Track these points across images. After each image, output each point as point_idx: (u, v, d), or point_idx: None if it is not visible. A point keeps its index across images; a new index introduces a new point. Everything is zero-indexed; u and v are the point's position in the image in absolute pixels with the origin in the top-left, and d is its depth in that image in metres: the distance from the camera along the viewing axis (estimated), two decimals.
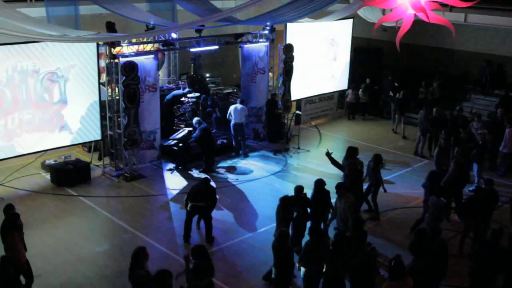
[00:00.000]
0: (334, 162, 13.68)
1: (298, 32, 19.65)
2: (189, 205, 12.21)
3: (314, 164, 17.17)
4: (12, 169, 16.06)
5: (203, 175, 15.92)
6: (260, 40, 19.05)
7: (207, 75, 22.61)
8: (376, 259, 9.44)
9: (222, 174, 16.57)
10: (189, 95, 18.40)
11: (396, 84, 22.35)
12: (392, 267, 8.67)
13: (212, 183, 13.23)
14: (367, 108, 23.15)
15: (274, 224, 12.75)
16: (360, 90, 22.75)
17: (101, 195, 15.03)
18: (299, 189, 11.88)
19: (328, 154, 13.70)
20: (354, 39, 22.59)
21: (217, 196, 12.64)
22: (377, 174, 13.78)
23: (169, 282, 8.04)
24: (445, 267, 9.93)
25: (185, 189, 15.17)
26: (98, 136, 16.22)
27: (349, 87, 22.74)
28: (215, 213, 12.66)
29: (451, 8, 12.34)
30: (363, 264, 9.25)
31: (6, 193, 14.73)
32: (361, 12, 18.47)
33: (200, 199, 12.16)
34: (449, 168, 14.15)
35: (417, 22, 12.01)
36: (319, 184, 12.03)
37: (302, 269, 9.87)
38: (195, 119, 16.73)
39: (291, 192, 11.99)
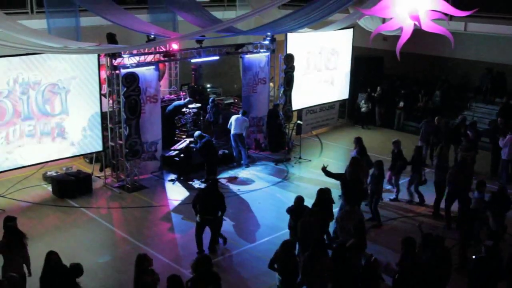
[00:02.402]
0: (330, 174, 13.54)
1: (298, 42, 19.72)
2: (198, 217, 12.07)
3: (316, 173, 17.11)
4: (14, 180, 16.05)
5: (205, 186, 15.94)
6: (261, 50, 19.09)
7: (208, 85, 22.67)
8: (380, 270, 9.41)
9: (223, 184, 16.55)
10: (190, 106, 18.43)
11: (402, 92, 22.76)
12: (396, 280, 8.65)
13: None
14: (369, 117, 23.18)
15: (276, 234, 12.78)
16: (363, 100, 22.80)
17: (102, 207, 15.01)
18: (299, 200, 11.85)
19: (324, 169, 13.56)
20: (354, 48, 22.66)
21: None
22: (379, 181, 13.78)
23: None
24: (448, 275, 9.89)
25: (187, 200, 15.18)
26: (99, 147, 16.23)
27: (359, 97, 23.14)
28: None
29: (451, 17, 12.40)
30: (368, 277, 9.22)
31: (8, 205, 14.71)
32: (361, 22, 18.54)
33: (209, 211, 12.01)
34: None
35: (417, 32, 12.05)
36: (322, 193, 12.00)
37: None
38: (196, 133, 16.73)
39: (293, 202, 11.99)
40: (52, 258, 9.23)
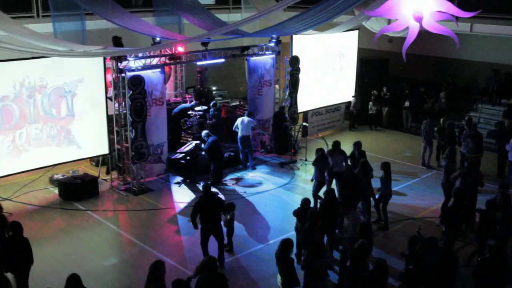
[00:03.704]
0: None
1: (304, 44, 19.71)
2: (200, 227, 11.80)
3: None
4: (20, 184, 16.10)
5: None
6: (266, 52, 19.10)
7: (214, 88, 22.68)
8: (387, 271, 9.40)
9: (230, 186, 16.56)
10: (196, 108, 18.44)
11: (406, 92, 22.93)
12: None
13: (214, 189, 13.04)
14: (376, 119, 23.21)
15: (283, 237, 12.73)
16: (371, 102, 22.82)
17: (109, 209, 15.04)
18: (306, 202, 11.84)
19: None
20: (360, 50, 22.64)
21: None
22: (387, 183, 13.73)
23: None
24: (453, 278, 9.86)
25: (193, 202, 15.14)
26: (105, 150, 16.25)
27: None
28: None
29: (457, 18, 12.42)
30: (375, 279, 9.19)
31: (15, 208, 14.73)
32: (366, 23, 18.52)
33: (210, 218, 11.72)
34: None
35: (423, 33, 12.03)
36: (330, 194, 11.99)
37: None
38: (204, 132, 16.73)
39: (299, 204, 11.98)
40: (71, 283, 8.61)
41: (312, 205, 13.22)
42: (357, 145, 15.12)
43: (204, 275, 8.66)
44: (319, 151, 14.77)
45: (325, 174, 14.51)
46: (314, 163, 14.69)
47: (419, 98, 22.77)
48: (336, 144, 14.89)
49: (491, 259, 9.72)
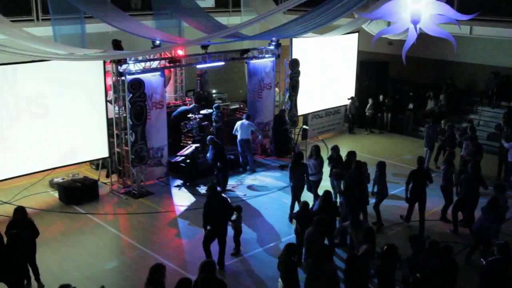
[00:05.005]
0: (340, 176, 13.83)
1: (303, 47, 19.73)
2: (208, 228, 11.73)
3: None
4: (20, 187, 16.10)
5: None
6: (266, 55, 19.11)
7: (214, 91, 22.68)
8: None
9: (229, 189, 16.54)
10: (202, 112, 18.40)
11: (411, 94, 22.98)
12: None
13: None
14: (373, 122, 23.22)
15: (283, 239, 12.77)
16: (368, 105, 22.85)
17: (109, 213, 15.02)
18: (305, 205, 11.83)
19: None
20: (359, 53, 22.66)
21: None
22: (382, 182, 13.73)
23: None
24: (454, 282, 9.83)
25: (193, 206, 15.19)
26: (105, 154, 16.23)
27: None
28: None
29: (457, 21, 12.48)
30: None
31: None
32: (366, 27, 18.54)
33: (215, 220, 11.68)
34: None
35: (422, 36, 12.04)
36: (328, 196, 11.98)
37: None
38: (208, 137, 16.66)
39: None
40: None
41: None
42: (335, 149, 15.10)
43: (202, 277, 8.64)
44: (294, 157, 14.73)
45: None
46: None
47: (422, 100, 22.77)
48: (314, 149, 14.83)
49: (500, 259, 9.68)
